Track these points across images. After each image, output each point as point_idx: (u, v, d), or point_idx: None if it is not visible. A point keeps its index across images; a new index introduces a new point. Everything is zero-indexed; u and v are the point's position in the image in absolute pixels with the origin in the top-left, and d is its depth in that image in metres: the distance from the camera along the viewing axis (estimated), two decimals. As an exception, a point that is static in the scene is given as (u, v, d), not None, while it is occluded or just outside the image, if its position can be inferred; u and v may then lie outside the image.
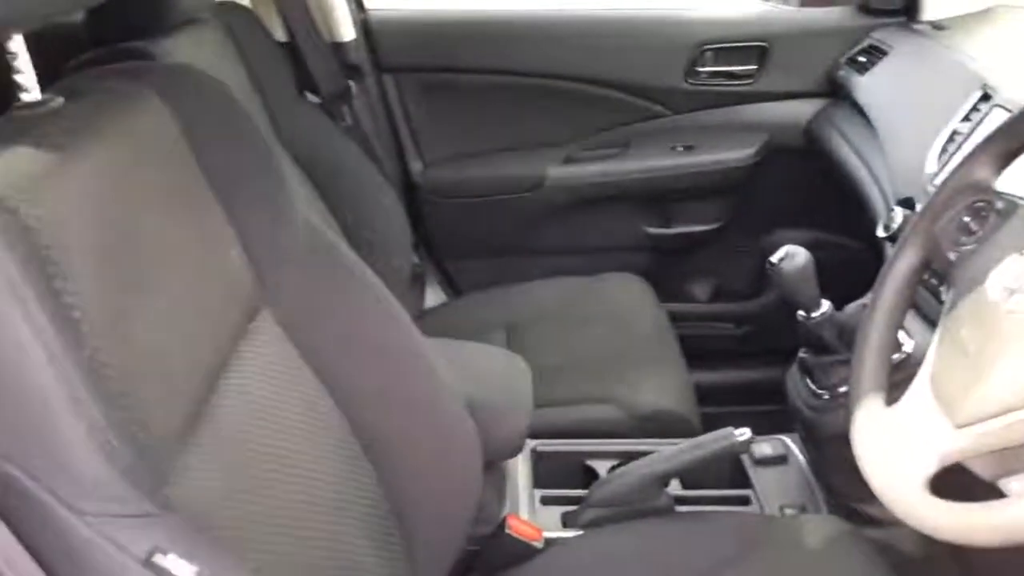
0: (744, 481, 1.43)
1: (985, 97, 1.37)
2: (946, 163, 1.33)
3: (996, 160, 0.94)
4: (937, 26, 1.83)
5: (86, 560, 0.60)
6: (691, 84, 2.02)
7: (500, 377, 1.31)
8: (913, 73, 1.69)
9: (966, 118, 1.38)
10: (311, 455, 0.96)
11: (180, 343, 0.79)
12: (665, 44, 2.00)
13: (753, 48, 1.99)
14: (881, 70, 1.78)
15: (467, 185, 2.10)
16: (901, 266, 0.99)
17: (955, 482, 0.84)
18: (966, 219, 0.94)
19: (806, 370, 1.33)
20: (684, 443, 1.28)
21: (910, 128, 1.54)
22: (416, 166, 2.11)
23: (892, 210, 1.34)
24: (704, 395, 1.71)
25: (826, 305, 1.27)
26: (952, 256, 0.93)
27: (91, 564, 0.60)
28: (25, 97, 0.80)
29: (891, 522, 1.29)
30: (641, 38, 2.01)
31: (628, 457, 1.40)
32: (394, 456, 1.04)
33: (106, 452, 0.61)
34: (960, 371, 0.84)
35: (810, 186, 2.04)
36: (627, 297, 1.90)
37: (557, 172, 2.05)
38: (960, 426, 0.82)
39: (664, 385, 1.62)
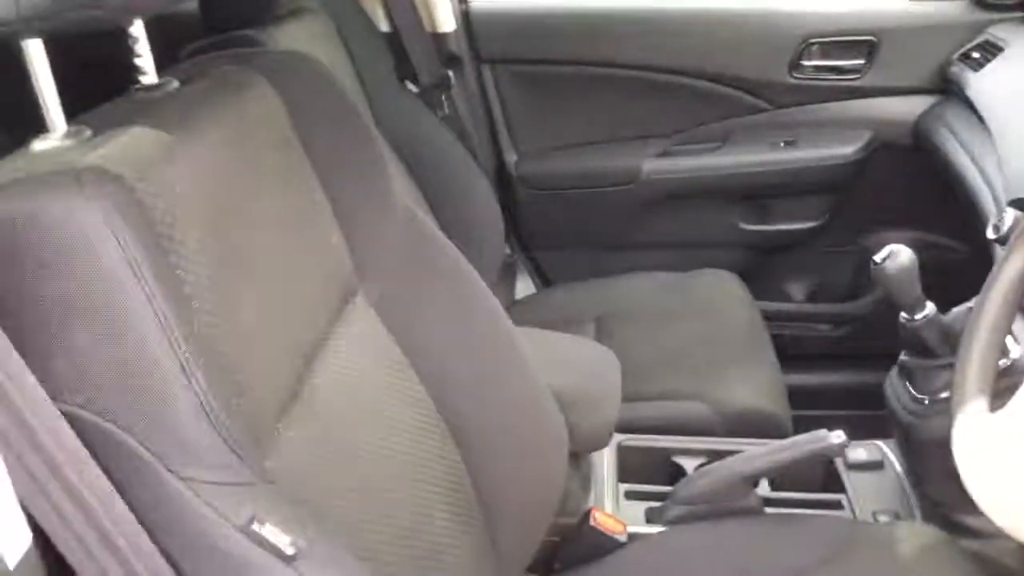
0: (837, 485, 1.40)
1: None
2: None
3: None
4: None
5: (186, 523, 0.62)
6: (795, 78, 1.97)
7: (589, 369, 1.31)
8: None
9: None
10: (400, 436, 0.97)
11: (281, 322, 0.82)
12: (770, 37, 1.96)
13: (861, 42, 1.94)
14: (995, 67, 1.71)
15: (561, 177, 2.10)
16: (1011, 268, 0.95)
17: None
18: (1084, 222, 0.90)
19: (907, 374, 1.29)
20: (775, 443, 1.26)
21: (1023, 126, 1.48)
22: (511, 157, 2.11)
23: (1004, 211, 1.29)
24: (798, 397, 1.67)
25: (930, 307, 1.24)
26: (1068, 260, 0.89)
27: (191, 528, 0.62)
28: (144, 80, 0.84)
29: (989, 533, 1.26)
30: (745, 31, 1.97)
31: (716, 455, 1.39)
32: (481, 442, 1.05)
33: (212, 422, 0.64)
34: (1073, 380, 0.80)
35: (916, 185, 1.98)
36: (720, 294, 1.88)
37: (652, 166, 2.04)
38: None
39: (756, 384, 1.59)
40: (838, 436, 1.22)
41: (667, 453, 1.47)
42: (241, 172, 0.80)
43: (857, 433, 1.79)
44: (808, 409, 1.71)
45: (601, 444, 1.28)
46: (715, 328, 1.75)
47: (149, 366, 0.62)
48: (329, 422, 0.86)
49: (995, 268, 0.96)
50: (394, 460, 0.95)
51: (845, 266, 2.13)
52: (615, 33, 2.03)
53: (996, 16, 1.87)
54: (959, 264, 2.03)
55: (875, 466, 1.41)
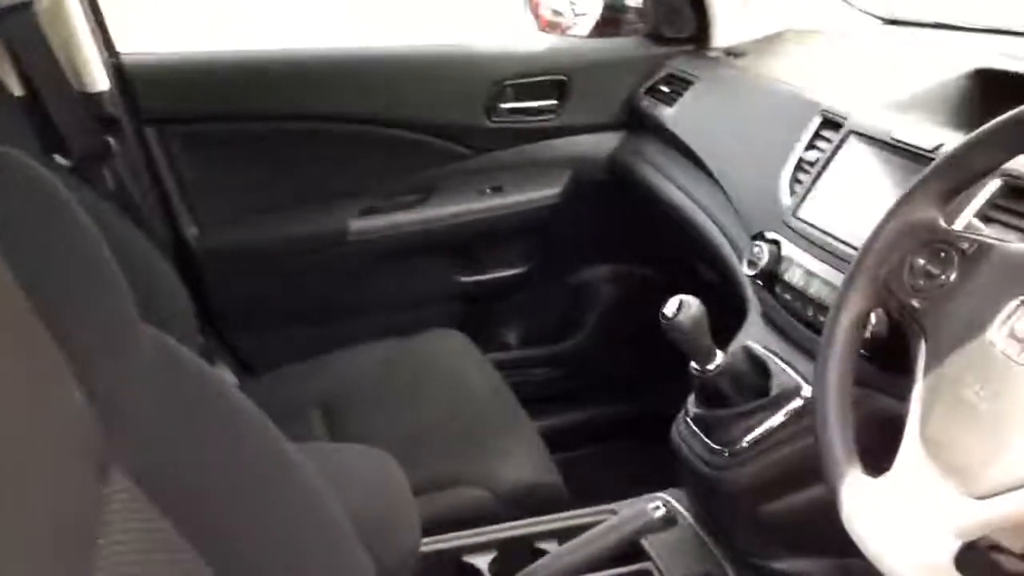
0: (635, 551, 1.31)
1: (829, 124, 1.35)
2: (804, 195, 1.29)
3: (937, 198, 0.88)
4: (732, 52, 1.84)
5: None
6: (494, 122, 1.90)
7: (377, 483, 1.11)
8: (730, 101, 1.67)
9: (811, 146, 1.36)
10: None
11: (43, 542, 0.55)
12: (464, 81, 1.86)
13: (552, 82, 1.91)
14: (692, 100, 1.75)
15: (254, 248, 1.85)
16: (845, 321, 0.91)
17: (980, 557, 0.77)
18: (920, 261, 0.87)
19: (702, 426, 1.23)
20: (598, 528, 1.14)
21: (745, 159, 1.50)
22: (191, 231, 1.82)
23: (755, 246, 1.29)
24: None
25: (720, 356, 1.18)
26: (916, 303, 0.86)
27: None
28: None
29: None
30: (438, 75, 1.86)
31: (506, 544, 1.26)
32: None
33: None
34: (972, 435, 0.76)
35: (613, 219, 2.00)
36: (452, 356, 1.73)
37: (357, 225, 1.85)
38: (982, 497, 0.74)
39: (522, 453, 1.47)
40: (657, 508, 1.13)
41: (456, 553, 1.29)
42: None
43: (602, 465, 1.75)
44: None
45: (406, 572, 1.08)
46: (460, 397, 1.61)
47: None
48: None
49: (827, 326, 0.91)
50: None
51: (555, 306, 2.10)
52: (296, 83, 1.82)
53: (672, 49, 1.93)
54: (656, 290, 2.07)
55: (669, 523, 1.34)
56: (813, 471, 1.16)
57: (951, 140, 1.14)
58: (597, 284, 2.06)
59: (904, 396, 0.88)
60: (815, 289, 1.20)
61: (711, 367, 1.17)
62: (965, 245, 0.84)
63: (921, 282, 0.86)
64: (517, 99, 1.91)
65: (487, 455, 1.44)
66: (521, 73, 1.88)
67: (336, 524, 0.92)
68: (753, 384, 1.20)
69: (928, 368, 0.82)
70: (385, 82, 1.84)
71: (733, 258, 1.47)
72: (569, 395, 2.08)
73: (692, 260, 1.82)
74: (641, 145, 1.89)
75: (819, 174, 1.29)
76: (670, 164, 1.77)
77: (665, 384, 2.18)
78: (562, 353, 2.08)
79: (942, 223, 0.88)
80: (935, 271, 0.86)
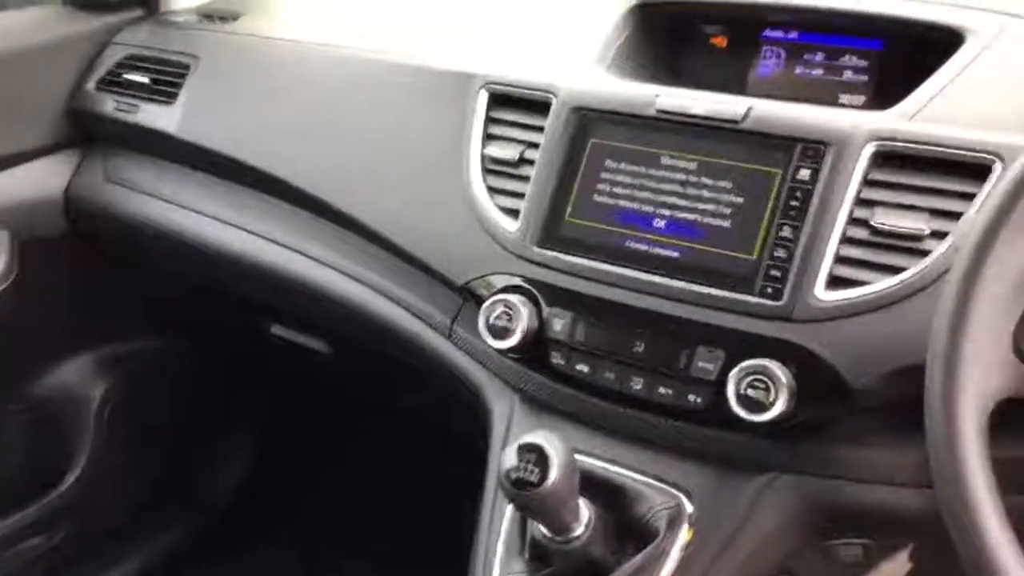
0: None
1: (509, 101, 0.93)
2: (542, 213, 0.86)
3: None
4: (214, 15, 1.26)
5: None
6: None
7: None
8: (291, 90, 1.09)
9: (492, 137, 0.93)
10: None
11: None
12: None
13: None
14: (209, 94, 1.15)
15: None
16: (968, 430, 0.55)
17: None
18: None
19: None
20: None
21: (374, 172, 1.00)
22: None
23: (502, 302, 0.84)
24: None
25: (586, 509, 0.72)
26: None
27: None
28: None
29: None
30: None
31: None
32: None
33: None
34: None
35: (102, 287, 1.33)
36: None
37: None
38: None
39: None
40: None
41: None
42: None
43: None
44: None
45: None
46: None
47: None
48: None
49: (940, 467, 0.54)
50: None
51: (26, 441, 1.34)
52: None
53: (111, 20, 1.27)
54: (169, 365, 1.47)
55: None
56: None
57: (757, 105, 0.82)
58: (87, 386, 1.36)
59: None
60: (584, 334, 0.82)
61: (580, 531, 0.71)
62: None
63: None
64: None
65: None
66: None
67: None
68: (612, 522, 0.77)
69: None
70: None
71: (405, 321, 0.98)
72: (86, 555, 1.37)
73: (256, 321, 1.25)
74: (118, 168, 1.23)
75: (561, 178, 0.86)
76: (193, 191, 1.17)
77: (225, 499, 1.58)
78: (58, 508, 1.34)
79: None
80: None
